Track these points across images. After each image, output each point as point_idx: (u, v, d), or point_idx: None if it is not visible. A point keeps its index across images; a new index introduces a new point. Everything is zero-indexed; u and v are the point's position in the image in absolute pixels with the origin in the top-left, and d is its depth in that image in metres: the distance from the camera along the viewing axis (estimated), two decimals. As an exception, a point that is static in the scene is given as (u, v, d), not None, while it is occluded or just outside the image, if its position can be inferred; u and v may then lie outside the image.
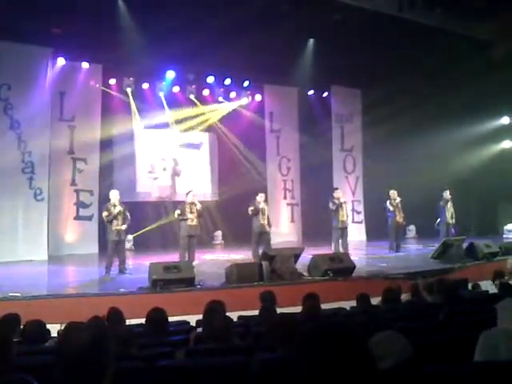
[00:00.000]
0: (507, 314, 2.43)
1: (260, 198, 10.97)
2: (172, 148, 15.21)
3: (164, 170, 14.97)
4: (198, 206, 10.14)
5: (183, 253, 10.03)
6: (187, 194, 10.49)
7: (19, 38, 11.07)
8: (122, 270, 9.48)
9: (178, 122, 14.72)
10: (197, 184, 15.11)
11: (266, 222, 10.87)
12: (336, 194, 11.92)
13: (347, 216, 11.93)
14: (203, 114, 15.11)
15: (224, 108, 15.49)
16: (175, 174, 15.05)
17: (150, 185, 14.93)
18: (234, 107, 15.60)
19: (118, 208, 9.44)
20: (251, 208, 10.73)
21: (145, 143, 14.89)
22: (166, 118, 14.62)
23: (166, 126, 14.78)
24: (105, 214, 9.55)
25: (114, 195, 9.65)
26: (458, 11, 11.94)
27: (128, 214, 9.66)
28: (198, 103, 14.89)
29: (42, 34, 11.18)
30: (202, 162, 15.73)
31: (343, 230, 11.69)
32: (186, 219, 9.92)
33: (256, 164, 15.71)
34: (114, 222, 9.40)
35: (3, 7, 9.73)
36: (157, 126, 14.66)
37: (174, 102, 14.65)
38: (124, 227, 9.53)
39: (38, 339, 3.73)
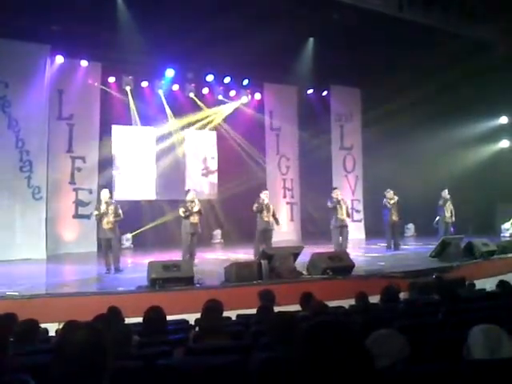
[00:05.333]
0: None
1: (264, 195, 11.04)
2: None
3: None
4: (197, 205, 10.17)
5: (186, 250, 10.05)
6: (187, 192, 10.53)
7: (17, 35, 11.01)
8: (116, 269, 9.50)
9: (180, 120, 14.79)
10: (204, 182, 15.21)
11: (270, 219, 10.94)
12: (334, 193, 11.92)
13: (348, 215, 11.90)
14: (207, 116, 15.22)
15: (226, 109, 15.50)
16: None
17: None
18: (235, 107, 15.62)
19: (104, 206, 9.48)
20: (255, 205, 10.80)
21: (150, 142, 14.88)
22: (168, 116, 14.66)
23: (165, 124, 14.80)
24: (95, 212, 9.67)
25: (104, 194, 9.73)
26: (458, 11, 11.94)
27: (120, 211, 9.65)
28: (202, 104, 14.93)
29: (40, 31, 11.12)
30: (207, 160, 15.76)
31: (342, 229, 11.66)
32: (190, 216, 9.97)
33: (255, 162, 15.71)
34: (104, 220, 9.45)
35: (0, 3, 9.70)
36: (159, 125, 14.68)
37: (173, 101, 14.67)
38: (113, 219, 9.47)
39: (29, 339, 3.69)
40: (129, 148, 14.65)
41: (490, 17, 12.04)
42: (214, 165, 15.84)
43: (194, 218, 10.08)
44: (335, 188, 12.72)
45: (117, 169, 14.40)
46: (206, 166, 15.73)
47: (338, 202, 11.64)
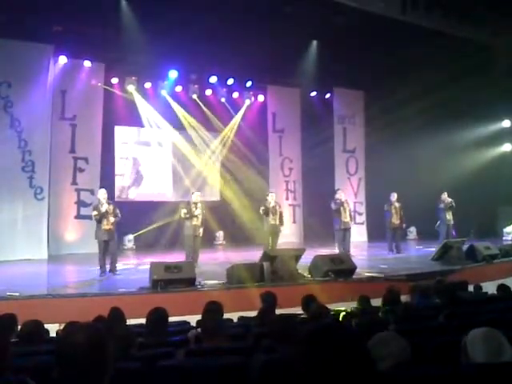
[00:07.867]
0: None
1: (270, 197, 11.05)
2: (172, 148, 15.25)
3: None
4: (200, 208, 10.14)
5: (189, 252, 9.98)
6: (192, 193, 10.51)
7: (20, 35, 11.03)
8: (112, 270, 9.36)
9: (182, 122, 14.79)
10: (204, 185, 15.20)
11: (277, 222, 10.99)
12: (338, 194, 11.92)
13: (350, 217, 11.88)
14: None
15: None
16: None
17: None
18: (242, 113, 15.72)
19: (105, 206, 9.34)
20: (262, 208, 10.84)
21: (153, 143, 14.89)
22: (171, 117, 14.67)
23: (168, 126, 14.81)
24: (94, 213, 9.44)
25: (102, 194, 9.59)
26: (459, 14, 11.95)
27: (118, 211, 9.52)
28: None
29: (43, 31, 11.18)
30: (208, 162, 15.74)
31: (345, 231, 11.66)
32: (192, 218, 9.94)
33: (258, 164, 15.70)
34: (104, 221, 9.29)
35: (4, 3, 9.73)
36: (162, 126, 14.68)
37: (176, 102, 14.66)
38: (113, 220, 9.34)
39: (34, 339, 3.68)
40: (131, 149, 14.66)
41: (490, 19, 12.05)
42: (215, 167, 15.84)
43: (197, 220, 10.03)
44: (338, 189, 12.70)
45: (119, 169, 14.41)
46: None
47: (342, 203, 11.63)
